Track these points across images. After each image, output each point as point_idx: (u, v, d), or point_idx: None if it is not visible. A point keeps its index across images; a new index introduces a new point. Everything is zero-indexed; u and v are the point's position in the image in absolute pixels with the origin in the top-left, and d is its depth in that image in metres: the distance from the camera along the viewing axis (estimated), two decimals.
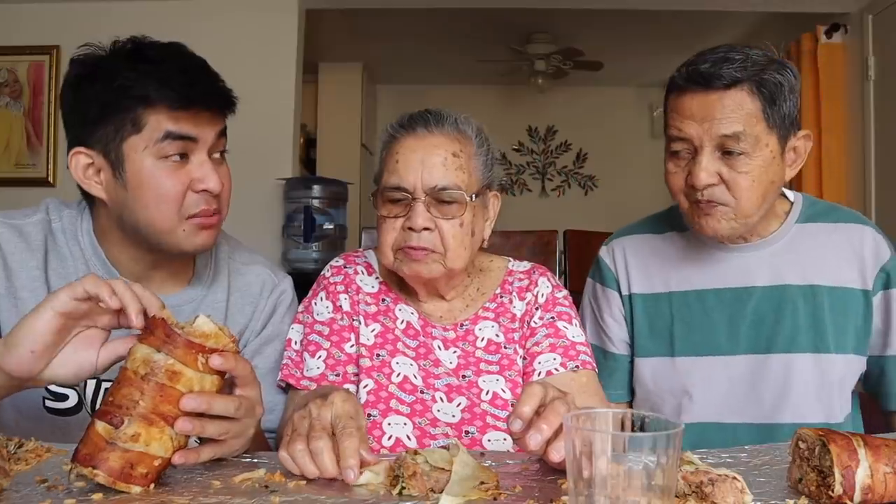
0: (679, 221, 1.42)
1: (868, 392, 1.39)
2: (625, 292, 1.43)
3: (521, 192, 7.24)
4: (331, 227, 4.16)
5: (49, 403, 1.14)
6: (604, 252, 1.49)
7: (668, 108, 1.28)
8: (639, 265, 1.43)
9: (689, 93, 1.22)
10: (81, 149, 1.12)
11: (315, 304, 1.27)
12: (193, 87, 1.08)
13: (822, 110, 4.05)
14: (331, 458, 0.84)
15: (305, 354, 1.23)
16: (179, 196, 1.10)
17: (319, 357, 1.22)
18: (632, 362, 1.45)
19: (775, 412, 1.31)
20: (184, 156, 1.10)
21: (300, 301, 1.34)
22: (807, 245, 1.34)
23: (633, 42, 5.53)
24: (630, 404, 1.49)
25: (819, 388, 1.30)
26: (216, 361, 0.81)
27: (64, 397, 1.15)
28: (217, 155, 1.16)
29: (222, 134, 1.16)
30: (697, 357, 1.36)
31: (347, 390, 0.94)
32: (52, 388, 1.14)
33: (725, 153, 1.21)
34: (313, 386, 1.19)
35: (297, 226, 4.08)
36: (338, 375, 1.21)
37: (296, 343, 1.25)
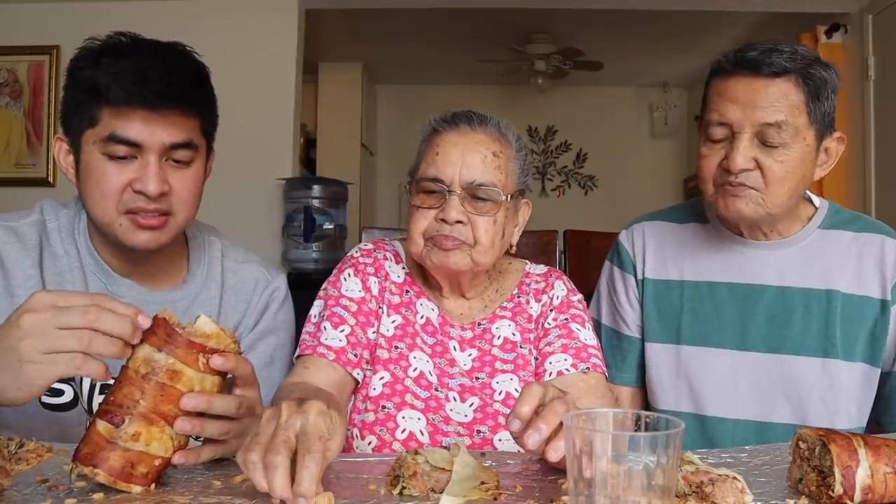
0: (701, 213, 1.43)
1: (873, 416, 1.35)
2: (640, 276, 1.45)
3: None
4: (331, 227, 4.17)
5: (45, 399, 1.15)
6: (623, 236, 1.50)
7: (709, 92, 1.28)
8: (655, 251, 1.44)
9: (736, 76, 1.22)
10: (61, 136, 1.16)
11: (344, 279, 1.26)
12: (143, 85, 1.06)
13: None
14: (284, 479, 0.70)
15: (327, 324, 1.20)
16: (117, 192, 1.10)
17: (342, 331, 1.20)
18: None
19: (777, 413, 1.31)
20: (132, 156, 1.10)
21: (294, 297, 1.35)
22: (826, 250, 1.33)
23: (633, 42, 5.53)
24: (641, 390, 1.49)
25: (824, 393, 1.29)
26: (217, 362, 0.81)
27: (59, 392, 1.15)
28: (174, 162, 1.13)
29: (182, 146, 1.12)
30: (702, 348, 1.36)
31: (327, 404, 0.79)
32: None
33: (763, 142, 1.21)
34: (331, 356, 1.17)
35: (297, 226, 4.08)
36: (356, 356, 1.19)
37: (315, 317, 1.24)
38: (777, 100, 1.20)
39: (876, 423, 1.36)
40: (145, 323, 0.82)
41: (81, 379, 1.16)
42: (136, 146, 1.09)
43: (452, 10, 4.61)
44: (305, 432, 0.73)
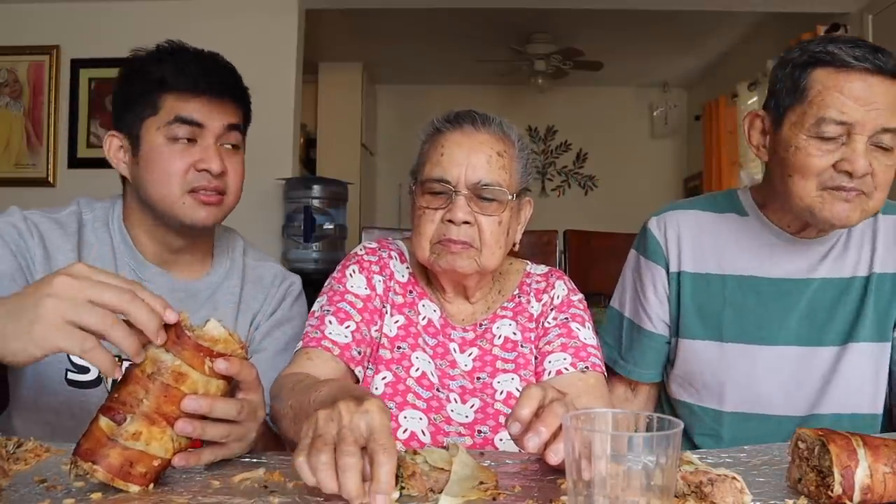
0: (738, 205, 1.38)
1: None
2: (673, 269, 1.37)
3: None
4: (331, 227, 4.17)
5: (71, 376, 1.20)
6: (653, 224, 1.41)
7: (815, 84, 1.19)
8: (692, 242, 1.37)
9: (857, 72, 1.15)
10: (114, 132, 1.26)
11: (350, 275, 1.26)
12: (205, 75, 1.21)
13: None
14: (358, 480, 0.71)
15: (332, 318, 1.20)
16: (183, 172, 1.21)
17: (348, 327, 1.19)
18: (668, 342, 1.40)
19: (824, 404, 1.30)
20: (192, 140, 1.21)
21: (306, 294, 1.38)
22: (858, 238, 1.33)
23: (633, 42, 5.53)
24: (657, 385, 1.46)
25: (868, 378, 1.29)
26: (221, 365, 0.81)
27: (86, 370, 1.20)
28: (228, 146, 1.26)
29: (234, 128, 1.26)
30: (747, 345, 1.32)
31: (380, 399, 0.80)
32: (76, 360, 1.19)
33: (877, 145, 1.17)
34: (336, 350, 1.16)
35: (297, 226, 4.08)
36: (359, 353, 1.19)
37: (318, 310, 1.23)
38: (894, 103, 1.15)
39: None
40: (171, 318, 0.80)
41: None
42: (198, 126, 1.21)
43: (452, 10, 4.62)
44: (375, 430, 0.74)
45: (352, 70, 6.32)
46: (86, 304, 0.76)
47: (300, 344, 1.20)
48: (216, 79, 1.22)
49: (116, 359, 1.17)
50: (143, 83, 1.21)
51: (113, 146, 1.26)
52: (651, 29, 5.14)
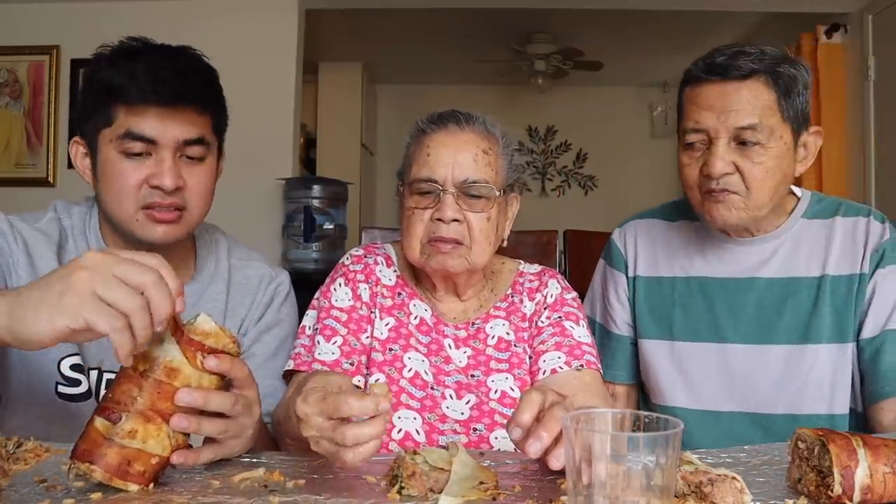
0: (691, 211, 1.44)
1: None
2: (631, 274, 1.47)
3: (520, 191, 7.21)
4: (331, 227, 4.17)
5: (61, 389, 1.17)
6: (616, 234, 1.53)
7: (683, 101, 1.31)
8: (646, 248, 1.47)
9: (706, 83, 1.25)
10: (78, 138, 1.20)
11: (334, 290, 1.27)
12: (158, 84, 1.10)
13: (821, 110, 4.04)
14: (368, 448, 0.78)
15: (320, 338, 1.22)
16: (135, 188, 1.14)
17: (335, 343, 1.22)
18: (634, 344, 1.47)
19: (776, 403, 1.32)
20: (147, 153, 1.13)
21: (297, 291, 1.37)
22: (813, 238, 1.35)
23: (633, 42, 5.52)
24: (635, 387, 1.51)
25: (822, 379, 1.30)
26: (210, 363, 0.82)
27: (77, 383, 1.18)
28: (192, 157, 1.16)
29: (196, 142, 1.16)
30: (695, 343, 1.38)
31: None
32: (67, 373, 1.17)
33: (740, 144, 1.23)
34: (325, 370, 1.17)
35: (297, 226, 4.08)
36: (352, 364, 1.21)
37: (309, 329, 1.26)
38: (748, 102, 1.22)
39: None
40: (180, 306, 0.80)
41: (88, 373, 1.18)
42: (151, 142, 1.12)
43: (452, 10, 4.62)
44: (336, 408, 0.78)
45: (352, 70, 6.32)
46: (115, 280, 0.75)
47: (292, 364, 1.21)
48: (171, 87, 1.10)
49: (97, 373, 1.17)
50: (98, 91, 1.13)
51: (79, 153, 1.20)
52: (651, 29, 5.14)
